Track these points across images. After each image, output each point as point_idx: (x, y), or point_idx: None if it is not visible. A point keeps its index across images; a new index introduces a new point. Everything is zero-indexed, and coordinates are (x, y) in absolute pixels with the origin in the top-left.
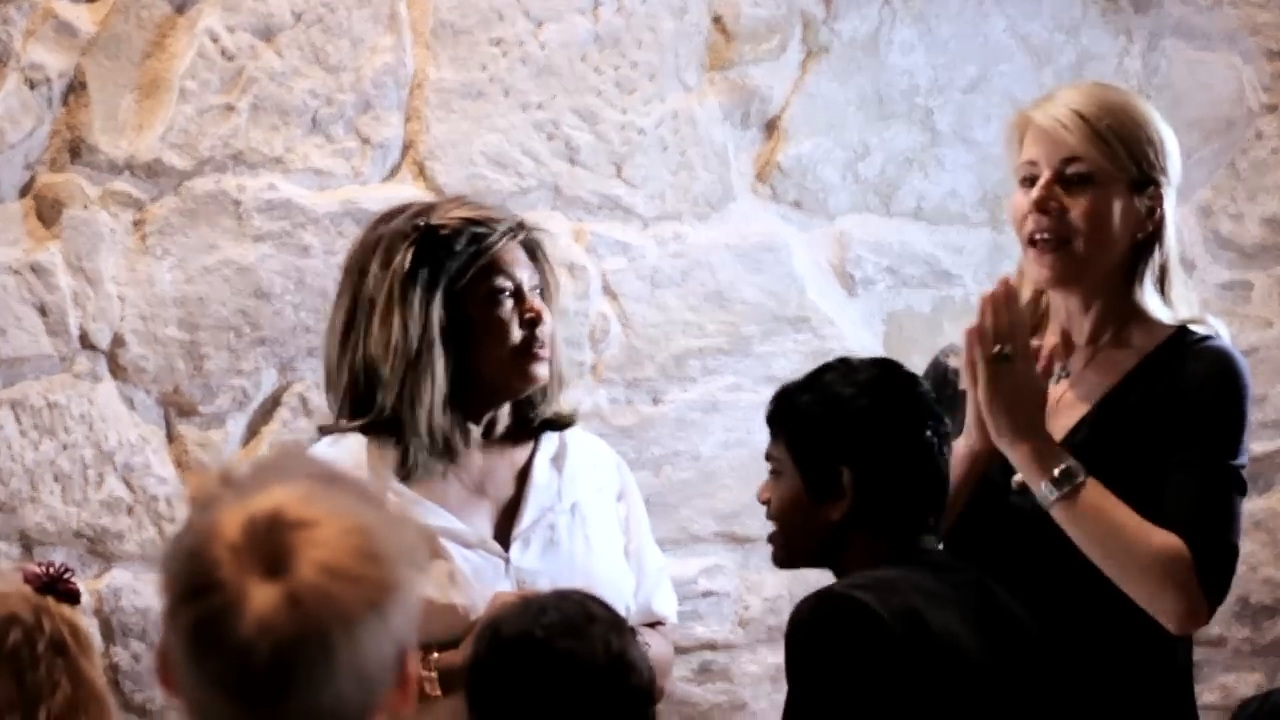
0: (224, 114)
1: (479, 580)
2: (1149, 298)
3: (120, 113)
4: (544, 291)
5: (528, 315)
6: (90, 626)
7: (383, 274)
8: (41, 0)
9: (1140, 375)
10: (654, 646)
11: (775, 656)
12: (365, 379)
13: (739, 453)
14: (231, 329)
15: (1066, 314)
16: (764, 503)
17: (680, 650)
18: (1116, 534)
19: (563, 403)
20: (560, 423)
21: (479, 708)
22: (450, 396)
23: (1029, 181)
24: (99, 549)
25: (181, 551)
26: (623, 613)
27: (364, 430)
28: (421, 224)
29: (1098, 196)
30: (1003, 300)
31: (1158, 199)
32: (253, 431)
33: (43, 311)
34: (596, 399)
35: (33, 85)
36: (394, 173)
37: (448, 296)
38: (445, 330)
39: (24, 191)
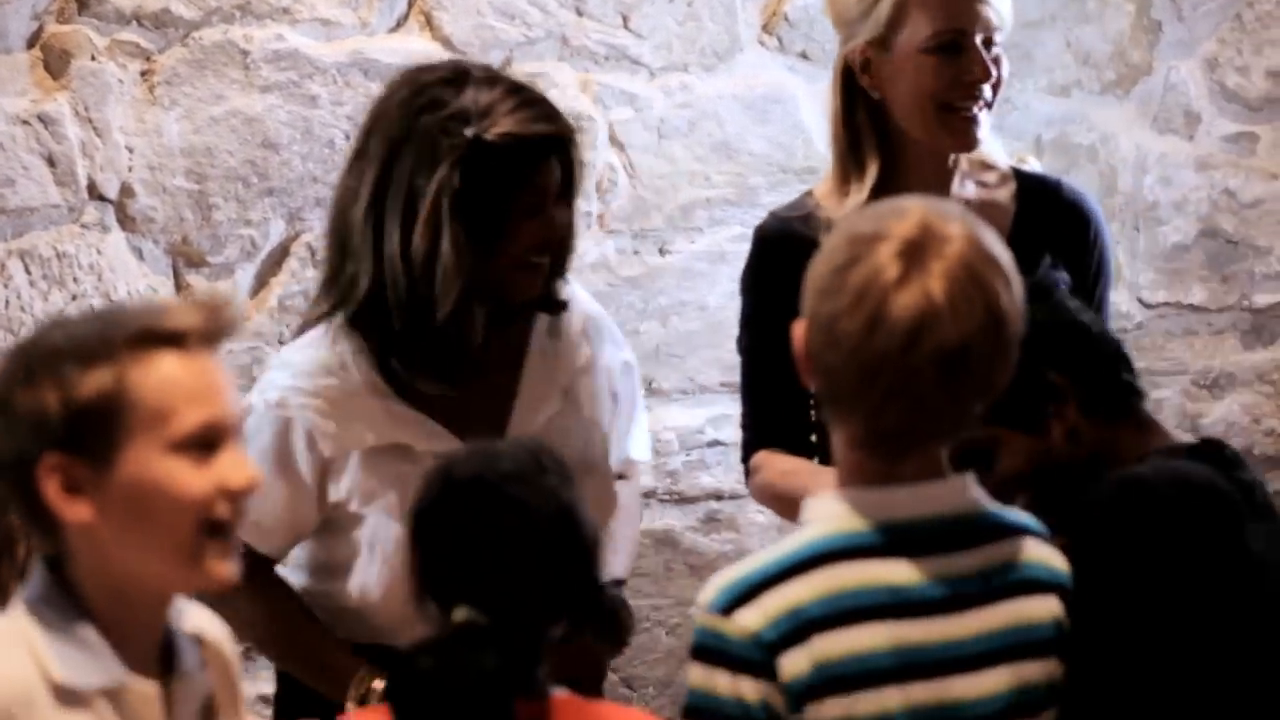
0: None
1: None
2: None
3: None
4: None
5: (538, 236)
6: None
7: (426, 176)
8: None
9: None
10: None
11: None
12: (380, 272)
13: None
14: (239, 179)
15: (933, 175)
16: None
17: (686, 500)
18: None
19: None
20: (552, 307)
21: (425, 549)
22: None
23: (948, 49)
24: None
25: None
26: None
27: (352, 320)
28: (471, 136)
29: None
30: None
31: None
32: (261, 282)
33: (51, 162)
34: (604, 249)
35: None
36: (401, 23)
37: (486, 210)
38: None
39: (31, 42)
